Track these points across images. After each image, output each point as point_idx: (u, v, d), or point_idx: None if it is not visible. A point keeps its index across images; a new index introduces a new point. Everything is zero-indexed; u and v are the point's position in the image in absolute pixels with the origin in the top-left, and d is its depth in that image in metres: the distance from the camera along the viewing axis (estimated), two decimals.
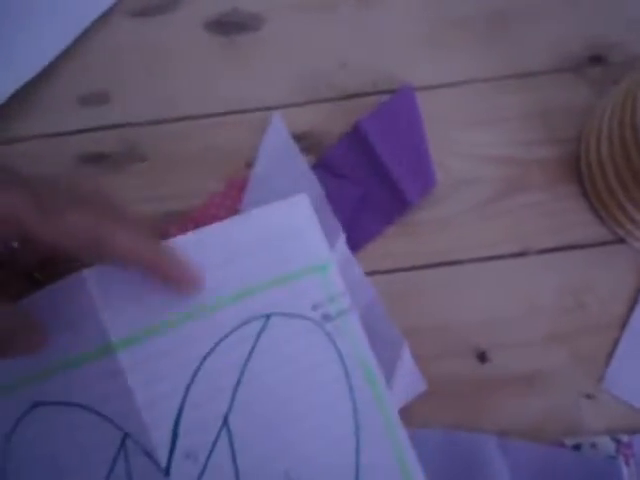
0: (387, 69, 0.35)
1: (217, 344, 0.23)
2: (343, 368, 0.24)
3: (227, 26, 0.36)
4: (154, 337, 0.22)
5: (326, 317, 0.25)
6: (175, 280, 0.22)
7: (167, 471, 0.21)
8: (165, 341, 0.22)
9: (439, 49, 0.36)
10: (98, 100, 0.34)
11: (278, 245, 0.25)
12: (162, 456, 0.21)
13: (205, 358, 0.22)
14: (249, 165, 0.33)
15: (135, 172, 0.34)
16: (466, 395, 0.30)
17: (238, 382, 0.22)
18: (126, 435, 0.21)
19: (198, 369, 0.22)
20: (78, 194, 0.20)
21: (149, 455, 0.21)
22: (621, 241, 0.32)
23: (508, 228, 0.33)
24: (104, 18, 0.35)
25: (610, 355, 0.31)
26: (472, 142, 0.34)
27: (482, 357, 0.31)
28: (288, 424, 0.23)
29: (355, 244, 0.31)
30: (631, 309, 0.31)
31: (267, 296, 0.24)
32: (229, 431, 0.22)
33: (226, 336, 0.23)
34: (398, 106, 0.33)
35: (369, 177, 0.32)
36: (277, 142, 0.33)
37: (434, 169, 0.33)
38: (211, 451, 0.22)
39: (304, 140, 0.34)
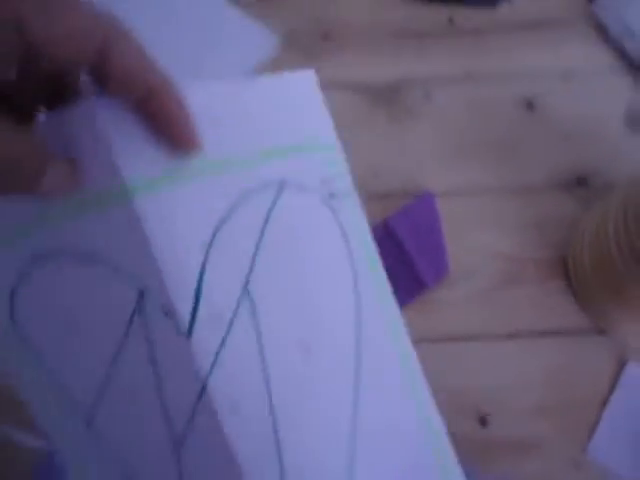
0: (411, 177, 0.44)
1: (234, 206, 0.21)
2: (347, 247, 0.24)
3: None
4: (173, 186, 0.20)
5: (332, 195, 0.24)
6: (174, 127, 0.19)
7: (189, 332, 0.19)
8: (184, 192, 0.20)
9: (457, 164, 0.44)
10: None
11: (289, 114, 0.24)
12: (183, 317, 0.19)
13: (225, 218, 0.21)
14: None
15: None
16: (467, 454, 0.36)
17: (257, 247, 0.21)
18: (142, 292, 0.19)
19: (219, 227, 0.21)
20: (84, 3, 0.18)
21: (170, 314, 0.19)
22: (601, 331, 0.39)
23: (505, 313, 0.39)
24: None
25: (593, 428, 0.36)
26: (480, 240, 0.42)
27: (483, 421, 0.37)
28: (301, 293, 0.22)
29: None
30: (611, 389, 0.37)
31: (280, 163, 0.23)
32: (249, 295, 0.21)
33: (242, 198, 0.21)
34: (421, 208, 0.41)
35: (394, 263, 0.40)
36: None
37: (448, 260, 0.40)
38: (234, 315, 0.20)
39: None
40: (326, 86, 0.47)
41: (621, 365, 0.38)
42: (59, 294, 0.21)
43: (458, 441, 0.36)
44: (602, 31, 0.49)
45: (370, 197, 0.43)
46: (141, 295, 0.19)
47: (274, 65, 0.48)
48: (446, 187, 0.43)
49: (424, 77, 0.48)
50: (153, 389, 0.20)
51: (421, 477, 0.25)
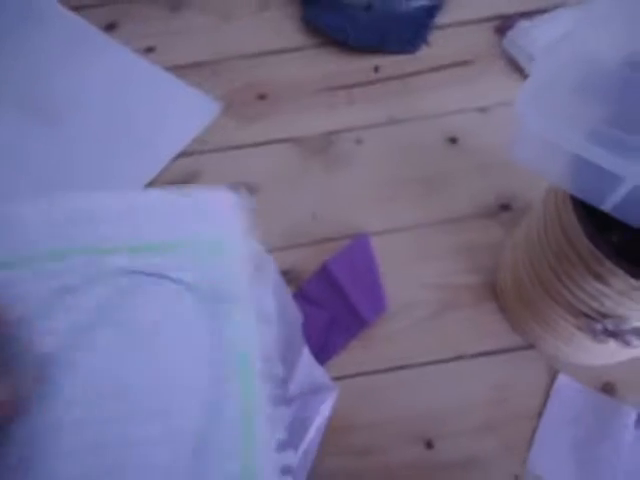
0: (348, 219, 0.47)
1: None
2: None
3: None
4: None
5: (216, 297, 0.25)
6: None
7: None
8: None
9: (387, 203, 0.48)
10: None
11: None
12: None
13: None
14: None
15: None
16: (414, 477, 0.38)
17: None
18: None
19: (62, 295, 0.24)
20: None
21: None
22: (531, 347, 0.42)
23: (444, 338, 0.42)
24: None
25: (531, 441, 0.39)
26: (415, 273, 0.45)
27: (428, 444, 0.39)
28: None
29: (325, 356, 0.41)
30: (545, 402, 0.40)
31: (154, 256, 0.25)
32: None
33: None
34: (356, 248, 0.45)
35: (335, 303, 0.43)
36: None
37: (385, 295, 0.43)
38: None
39: (288, 275, 0.45)
40: (264, 143, 0.51)
41: (553, 377, 0.40)
42: None
43: (405, 465, 0.39)
44: (513, 65, 0.53)
45: (309, 242, 0.46)
46: None
47: (214, 128, 0.52)
48: (380, 226, 0.47)
49: (354, 125, 0.52)
50: None
51: None
